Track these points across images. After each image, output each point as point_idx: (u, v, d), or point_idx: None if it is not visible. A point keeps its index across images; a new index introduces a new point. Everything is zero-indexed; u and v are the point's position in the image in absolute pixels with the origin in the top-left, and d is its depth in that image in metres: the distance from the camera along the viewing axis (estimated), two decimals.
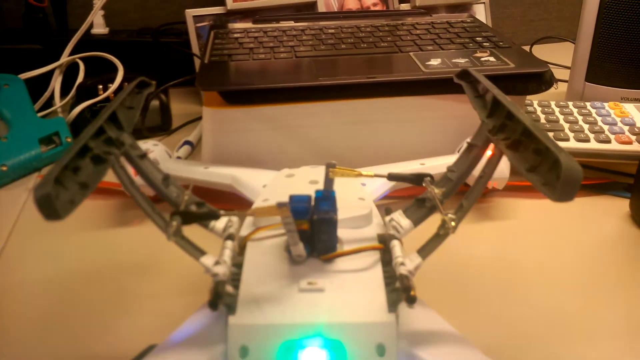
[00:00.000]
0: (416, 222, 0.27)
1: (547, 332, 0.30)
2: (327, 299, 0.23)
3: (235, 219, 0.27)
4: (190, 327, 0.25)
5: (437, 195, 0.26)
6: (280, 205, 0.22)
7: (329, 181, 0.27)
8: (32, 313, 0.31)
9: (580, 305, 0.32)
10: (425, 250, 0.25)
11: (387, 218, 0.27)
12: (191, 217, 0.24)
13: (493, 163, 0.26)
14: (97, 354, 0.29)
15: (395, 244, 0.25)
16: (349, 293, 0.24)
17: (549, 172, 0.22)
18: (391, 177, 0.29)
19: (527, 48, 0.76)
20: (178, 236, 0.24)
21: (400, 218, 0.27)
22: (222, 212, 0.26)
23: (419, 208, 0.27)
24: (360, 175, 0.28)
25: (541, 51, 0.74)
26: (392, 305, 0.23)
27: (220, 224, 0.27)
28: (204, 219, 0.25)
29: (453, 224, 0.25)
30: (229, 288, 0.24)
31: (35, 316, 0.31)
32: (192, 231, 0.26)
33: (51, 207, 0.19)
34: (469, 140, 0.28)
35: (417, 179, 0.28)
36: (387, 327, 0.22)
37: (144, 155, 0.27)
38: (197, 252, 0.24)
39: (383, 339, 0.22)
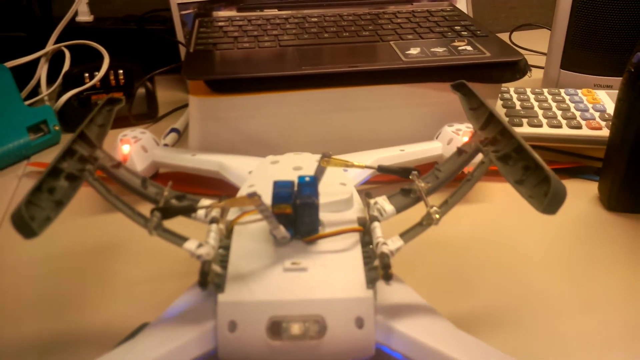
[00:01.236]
0: (399, 210, 0.29)
1: (517, 307, 0.32)
2: (310, 277, 0.25)
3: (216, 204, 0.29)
4: (181, 305, 0.27)
5: (423, 189, 0.28)
6: (250, 195, 0.24)
7: (320, 169, 0.28)
8: (27, 294, 0.33)
9: (549, 282, 0.34)
10: (407, 236, 0.27)
11: (372, 201, 0.29)
12: (169, 212, 0.26)
13: (482, 169, 0.28)
14: (91, 333, 0.30)
15: (376, 225, 0.27)
16: (331, 271, 0.25)
17: (536, 186, 0.25)
18: (381, 169, 0.30)
19: (507, 34, 0.77)
20: (159, 230, 0.26)
21: (384, 203, 0.29)
22: (199, 204, 0.28)
23: (404, 197, 0.29)
24: (352, 166, 0.29)
25: (521, 38, 0.75)
26: (370, 282, 0.25)
27: (201, 211, 0.28)
28: (181, 213, 0.27)
29: (437, 216, 0.27)
30: (217, 268, 0.25)
31: (30, 297, 0.32)
32: (179, 221, 0.27)
33: (26, 227, 0.22)
34: (459, 145, 0.30)
35: (405, 172, 0.30)
36: (365, 302, 0.24)
37: (118, 165, 0.29)
38: (179, 239, 0.26)
39: (361, 312, 0.24)
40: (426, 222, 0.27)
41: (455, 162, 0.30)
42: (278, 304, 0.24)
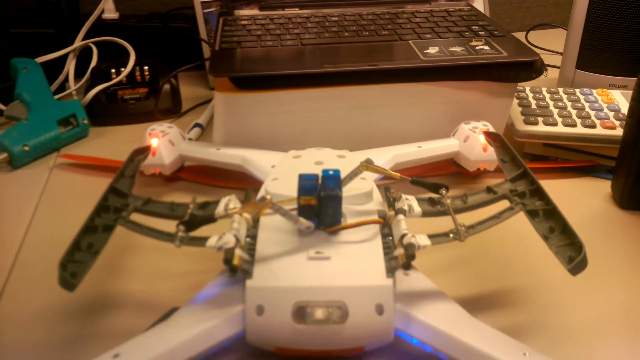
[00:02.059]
0: (424, 214, 0.31)
1: (531, 299, 0.33)
2: (333, 265, 0.27)
3: (234, 199, 0.30)
4: (210, 290, 0.28)
5: (451, 206, 0.31)
6: (260, 200, 0.26)
7: (356, 172, 0.30)
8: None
9: (562, 276, 0.35)
10: (434, 239, 0.28)
11: (404, 196, 0.31)
12: (192, 224, 0.29)
13: (510, 214, 0.31)
14: (123, 318, 0.32)
15: (401, 218, 0.29)
16: (352, 260, 0.27)
17: (561, 247, 0.28)
18: (414, 182, 0.32)
19: (523, 34, 0.78)
20: (184, 241, 0.28)
21: (414, 203, 0.31)
22: (217, 209, 0.30)
23: (430, 206, 0.31)
24: (389, 173, 0.31)
25: (536, 37, 0.76)
26: (390, 271, 0.26)
27: (220, 210, 0.30)
28: (202, 224, 0.29)
29: (465, 235, 0.28)
30: (245, 255, 0.27)
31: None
32: None
33: (68, 284, 0.26)
34: (489, 185, 0.33)
35: (435, 187, 0.32)
36: (385, 290, 0.26)
37: (148, 201, 0.32)
38: (202, 241, 0.28)
39: (382, 300, 0.25)
40: (453, 235, 0.28)
41: (483, 197, 0.32)
42: (303, 290, 0.25)
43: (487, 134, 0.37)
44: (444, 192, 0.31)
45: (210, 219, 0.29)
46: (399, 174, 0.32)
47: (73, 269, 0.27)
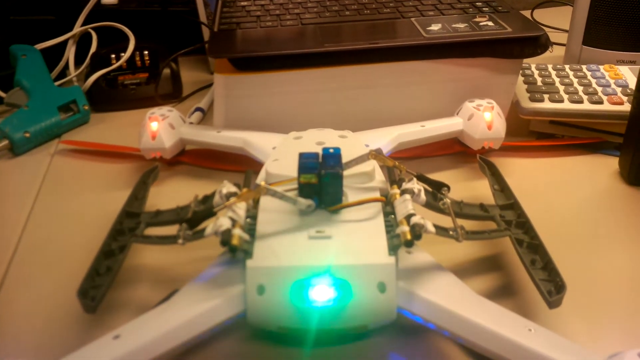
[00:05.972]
0: (426, 205, 0.31)
1: None
2: (334, 244, 0.26)
3: (227, 184, 0.30)
4: (210, 272, 0.28)
5: (451, 207, 0.31)
6: (255, 187, 0.26)
7: (362, 158, 0.30)
8: (61, 265, 0.34)
9: (571, 253, 0.34)
10: (438, 230, 0.28)
11: (415, 180, 0.31)
12: (194, 221, 0.29)
13: (498, 234, 0.31)
14: (125, 300, 0.32)
15: (408, 197, 0.28)
16: (354, 239, 0.26)
17: (542, 281, 0.28)
18: (419, 178, 0.32)
19: (528, 12, 0.77)
20: (188, 239, 0.28)
21: (421, 190, 0.30)
22: (215, 199, 0.30)
23: (432, 199, 0.32)
24: (399, 167, 0.31)
25: (542, 15, 0.75)
26: (392, 250, 0.26)
27: (218, 198, 0.30)
28: (203, 220, 0.29)
29: (464, 237, 0.28)
30: (245, 236, 0.27)
31: (64, 269, 0.34)
32: None
33: (90, 307, 0.27)
34: (483, 203, 0.33)
35: (438, 186, 0.32)
36: (387, 268, 0.25)
37: (157, 212, 0.33)
38: (202, 233, 0.28)
39: (384, 278, 0.25)
40: (453, 234, 0.28)
41: (475, 211, 0.33)
42: (304, 269, 0.25)
43: (482, 160, 0.38)
44: (446, 191, 0.32)
45: (210, 213, 0.29)
46: (404, 167, 0.32)
47: (93, 293, 0.27)
